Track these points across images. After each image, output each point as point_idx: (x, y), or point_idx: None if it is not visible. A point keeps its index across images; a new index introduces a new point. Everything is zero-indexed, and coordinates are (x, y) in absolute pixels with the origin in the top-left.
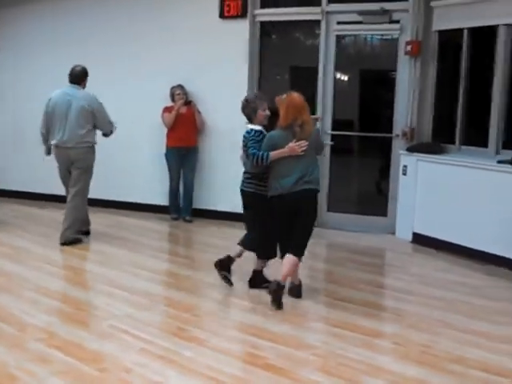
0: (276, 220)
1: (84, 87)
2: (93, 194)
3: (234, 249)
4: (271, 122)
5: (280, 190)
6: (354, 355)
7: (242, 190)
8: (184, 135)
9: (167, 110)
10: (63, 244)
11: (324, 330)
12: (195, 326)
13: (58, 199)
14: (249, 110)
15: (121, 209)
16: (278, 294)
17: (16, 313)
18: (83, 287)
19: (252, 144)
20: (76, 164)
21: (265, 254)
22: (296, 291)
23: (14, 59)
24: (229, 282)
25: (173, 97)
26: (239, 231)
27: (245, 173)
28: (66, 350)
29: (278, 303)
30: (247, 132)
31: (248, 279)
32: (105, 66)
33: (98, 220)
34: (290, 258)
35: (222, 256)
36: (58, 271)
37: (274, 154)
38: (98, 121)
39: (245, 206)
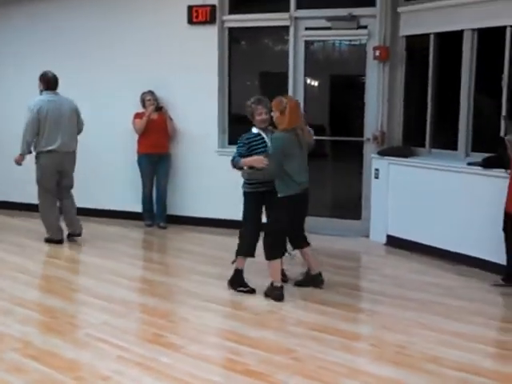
0: (288, 218)
1: None
2: None
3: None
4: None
5: (297, 187)
6: (332, 358)
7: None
8: (155, 141)
9: (138, 116)
10: (80, 234)
11: (302, 333)
12: (172, 332)
13: (30, 208)
14: (248, 113)
15: (94, 216)
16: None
17: None
18: (58, 296)
19: (237, 146)
20: (68, 169)
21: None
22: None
23: None
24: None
25: (143, 103)
26: (213, 237)
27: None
28: (42, 359)
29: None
30: (248, 134)
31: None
32: (75, 73)
33: None
34: (308, 248)
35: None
36: (33, 280)
37: (245, 162)
38: (79, 123)
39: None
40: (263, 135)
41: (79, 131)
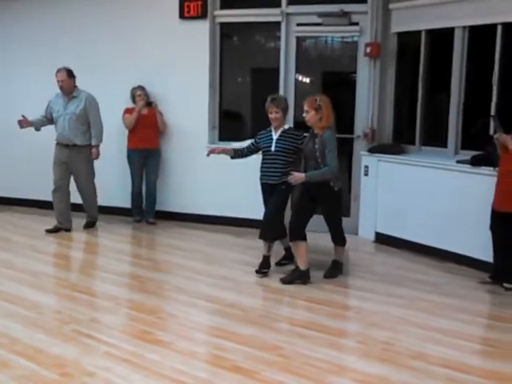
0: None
1: None
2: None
3: None
4: None
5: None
6: (318, 355)
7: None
8: (145, 137)
9: (128, 111)
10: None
11: (289, 330)
12: (159, 328)
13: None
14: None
15: (82, 211)
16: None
17: None
18: (45, 291)
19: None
20: None
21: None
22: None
23: None
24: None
25: (133, 98)
26: (202, 233)
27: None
28: (28, 355)
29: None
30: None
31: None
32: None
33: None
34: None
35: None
36: (18, 275)
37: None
38: None
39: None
40: (272, 134)
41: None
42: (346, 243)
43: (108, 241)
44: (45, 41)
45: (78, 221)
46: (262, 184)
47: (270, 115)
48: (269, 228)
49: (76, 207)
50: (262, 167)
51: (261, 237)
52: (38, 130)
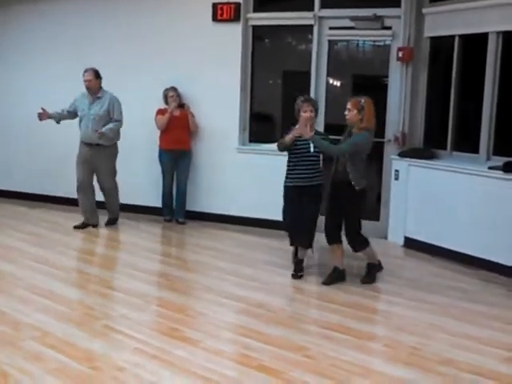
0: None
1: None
2: None
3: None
4: None
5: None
6: (345, 357)
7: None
8: (177, 138)
9: (160, 112)
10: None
11: (316, 332)
12: (188, 326)
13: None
14: (295, 110)
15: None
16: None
17: (8, 311)
18: (77, 287)
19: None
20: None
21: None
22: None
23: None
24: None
25: (166, 99)
26: (231, 233)
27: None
28: (60, 348)
29: None
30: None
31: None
32: (98, 68)
33: None
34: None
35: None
36: (52, 271)
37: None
38: None
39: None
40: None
41: None
42: (369, 244)
43: (138, 239)
44: (72, 40)
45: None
46: (295, 187)
47: (303, 114)
48: (309, 234)
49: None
50: (296, 169)
51: (299, 243)
52: (58, 122)
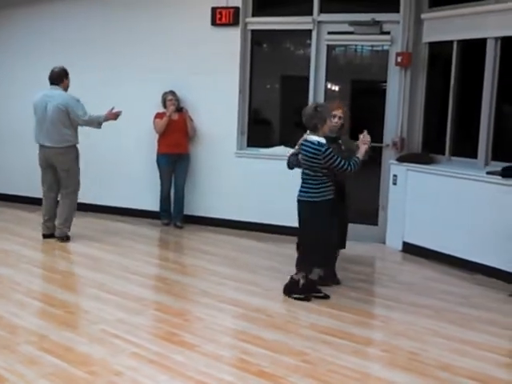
0: None
1: (66, 87)
2: (84, 198)
3: None
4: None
5: None
6: (343, 362)
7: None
8: (175, 141)
9: (159, 115)
10: (61, 239)
11: (314, 337)
12: (186, 330)
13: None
14: (317, 119)
15: (111, 214)
16: None
17: (5, 315)
18: (74, 291)
19: (336, 157)
20: (58, 166)
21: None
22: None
23: None
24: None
25: (164, 103)
26: (229, 238)
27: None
28: (56, 352)
29: None
30: (316, 144)
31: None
32: (97, 71)
33: (89, 225)
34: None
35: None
36: (48, 275)
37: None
38: (72, 120)
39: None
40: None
41: (88, 126)
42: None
43: (136, 243)
44: (73, 44)
45: (106, 223)
46: (329, 200)
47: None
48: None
49: (103, 209)
50: (329, 183)
51: (327, 266)
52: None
